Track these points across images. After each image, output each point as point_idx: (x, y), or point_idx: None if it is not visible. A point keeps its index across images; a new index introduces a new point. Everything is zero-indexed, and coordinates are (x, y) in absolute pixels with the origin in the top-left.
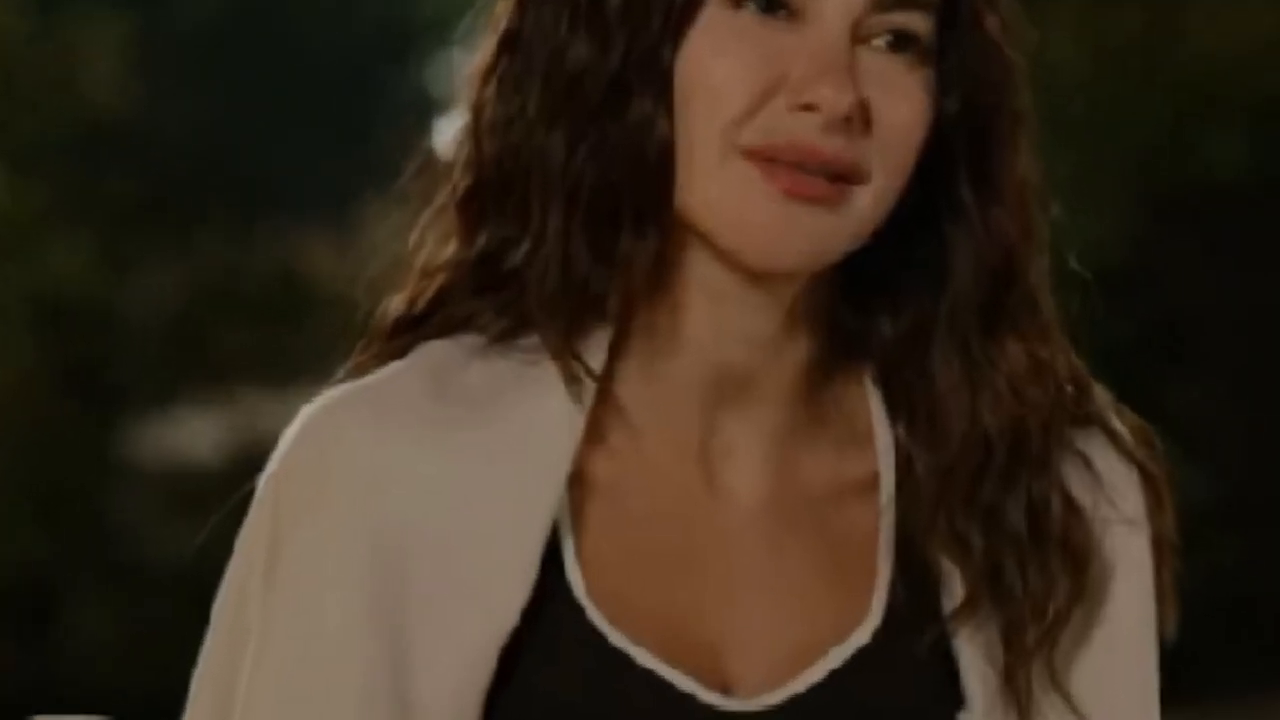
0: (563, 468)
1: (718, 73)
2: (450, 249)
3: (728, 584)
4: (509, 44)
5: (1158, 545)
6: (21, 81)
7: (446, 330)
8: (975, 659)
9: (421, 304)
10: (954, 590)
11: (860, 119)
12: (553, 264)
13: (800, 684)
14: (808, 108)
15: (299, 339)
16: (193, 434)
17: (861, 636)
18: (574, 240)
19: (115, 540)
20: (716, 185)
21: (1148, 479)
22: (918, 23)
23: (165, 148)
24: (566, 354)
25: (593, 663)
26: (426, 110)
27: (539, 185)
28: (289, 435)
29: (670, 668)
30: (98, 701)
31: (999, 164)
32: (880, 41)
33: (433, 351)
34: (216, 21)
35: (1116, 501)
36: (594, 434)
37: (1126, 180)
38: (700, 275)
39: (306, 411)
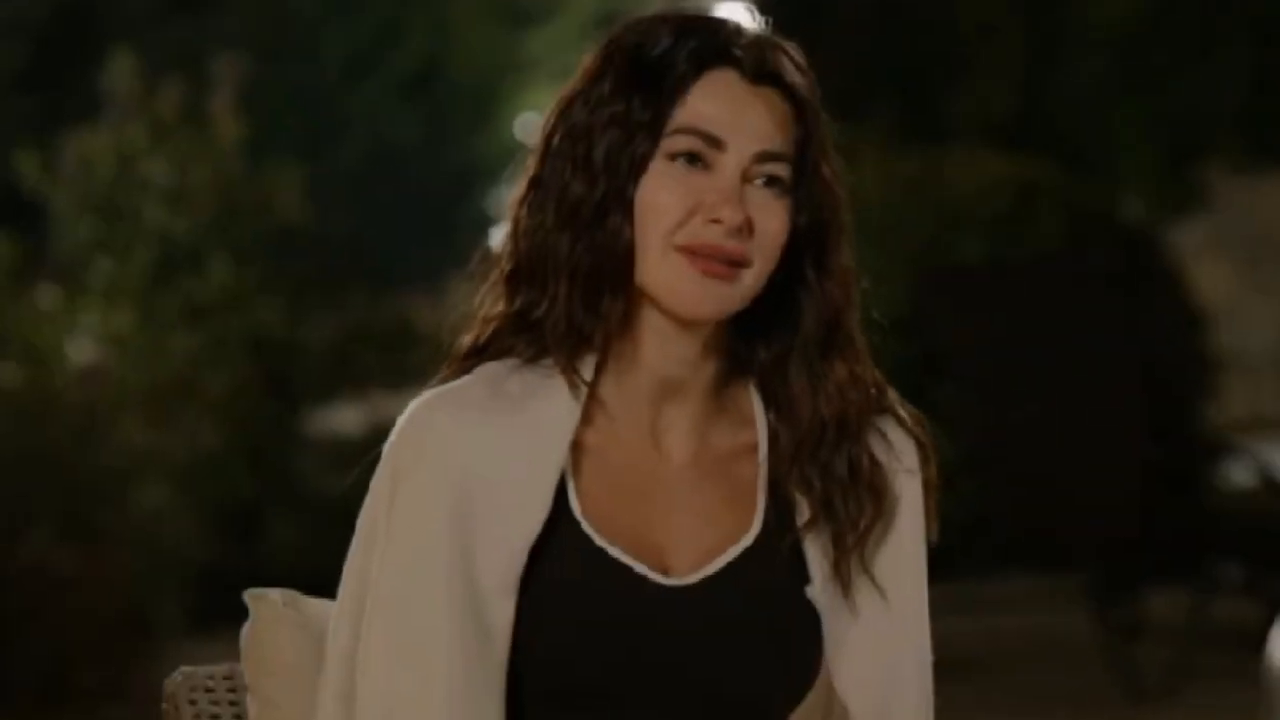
0: (567, 438)
1: (661, 200)
2: (499, 307)
3: (668, 508)
4: (534, 183)
5: (926, 485)
6: (240, 205)
7: (497, 356)
8: (816, 554)
9: (482, 340)
10: (804, 513)
11: (747, 228)
12: (561, 316)
13: (712, 568)
14: (716, 221)
15: (408, 361)
16: (343, 418)
17: (748, 540)
18: (574, 302)
19: (297, 482)
20: (660, 269)
21: (920, 445)
22: (781, 170)
23: (327, 244)
24: (570, 370)
25: (584, 556)
26: (485, 222)
27: (552, 268)
28: (401, 420)
29: (632, 559)
30: (290, 583)
31: (831, 255)
32: (759, 181)
33: (488, 368)
34: (359, 166)
35: (902, 459)
36: (586, 418)
37: (906, 265)
38: (651, 322)
39: (411, 405)
